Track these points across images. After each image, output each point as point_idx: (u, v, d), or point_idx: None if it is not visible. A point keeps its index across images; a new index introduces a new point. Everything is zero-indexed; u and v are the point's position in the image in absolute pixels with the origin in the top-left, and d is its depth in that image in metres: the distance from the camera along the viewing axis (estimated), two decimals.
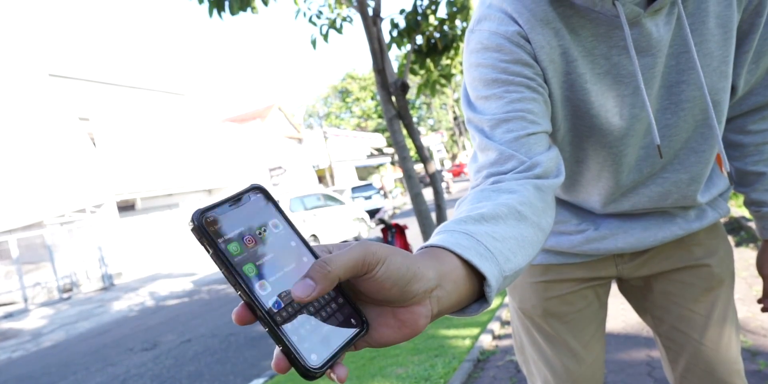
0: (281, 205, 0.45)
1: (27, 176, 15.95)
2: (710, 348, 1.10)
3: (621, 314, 3.63)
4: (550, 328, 1.16)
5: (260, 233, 0.42)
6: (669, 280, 1.13)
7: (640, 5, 0.84)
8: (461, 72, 6.81)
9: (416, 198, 6.54)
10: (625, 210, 1.05)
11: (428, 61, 6.92)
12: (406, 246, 6.78)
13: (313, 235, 7.03)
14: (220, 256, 0.39)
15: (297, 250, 0.44)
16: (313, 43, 6.76)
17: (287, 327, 0.40)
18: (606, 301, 1.22)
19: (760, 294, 1.14)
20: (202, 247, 0.40)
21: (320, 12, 6.93)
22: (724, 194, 1.11)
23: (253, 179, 25.13)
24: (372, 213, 20.95)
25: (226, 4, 5.67)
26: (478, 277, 0.54)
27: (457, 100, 50.35)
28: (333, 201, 14.32)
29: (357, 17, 6.73)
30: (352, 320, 0.43)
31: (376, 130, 47.40)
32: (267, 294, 0.40)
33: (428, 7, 6.59)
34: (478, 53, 0.87)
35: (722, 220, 5.67)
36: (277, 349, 0.41)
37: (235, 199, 0.42)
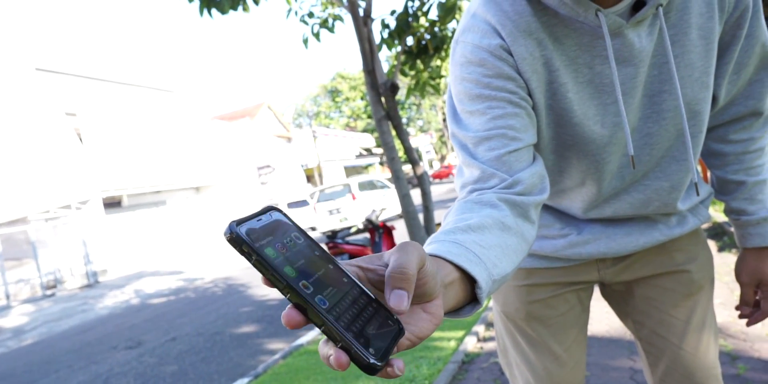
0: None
1: (11, 171, 15.78)
2: (689, 352, 1.11)
3: (605, 318, 3.66)
4: (533, 332, 1.17)
5: (288, 242, 0.45)
6: (650, 285, 1.14)
7: (623, 16, 0.86)
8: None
9: (404, 199, 6.56)
10: (607, 216, 1.07)
11: (418, 62, 6.94)
12: (393, 246, 6.78)
13: (384, 208, 7.53)
14: (262, 262, 0.41)
15: (322, 257, 0.47)
16: (305, 42, 6.75)
17: (341, 325, 0.42)
18: (588, 306, 1.24)
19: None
20: (243, 256, 0.42)
21: (311, 12, 6.92)
22: (705, 201, 1.13)
23: (241, 177, 25.05)
24: None
25: (217, 2, 5.65)
26: (470, 281, 0.58)
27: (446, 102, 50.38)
28: (385, 184, 17.10)
29: (348, 17, 6.74)
30: (389, 321, 0.46)
31: (365, 130, 47.41)
32: (311, 293, 0.42)
33: (419, 8, 6.60)
34: (462, 66, 0.89)
35: (705, 225, 5.74)
36: (333, 347, 0.42)
37: (258, 216, 0.45)
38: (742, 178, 1.06)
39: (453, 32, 6.85)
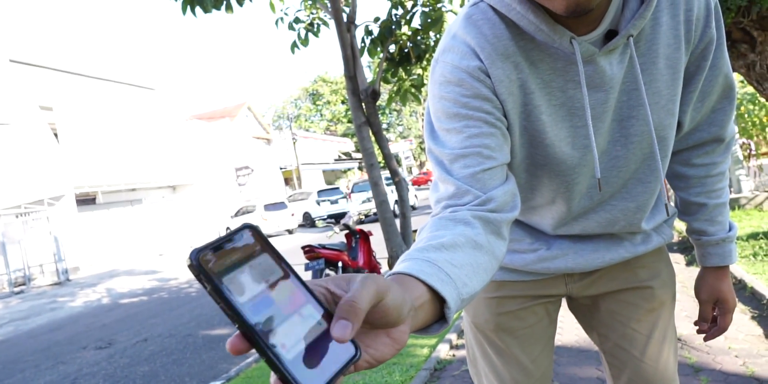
0: (272, 242, 0.49)
1: None
2: (650, 365, 1.17)
3: (574, 329, 3.73)
4: (502, 343, 1.21)
5: (254, 268, 0.45)
6: (615, 300, 1.19)
7: (595, 44, 0.91)
8: None
9: (381, 205, 6.59)
10: (575, 233, 1.12)
11: (400, 69, 6.99)
12: (369, 252, 6.81)
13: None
14: (217, 292, 0.42)
15: (289, 282, 0.47)
16: (293, 47, 6.77)
17: (285, 356, 0.43)
18: (556, 318, 1.28)
19: None
20: (201, 284, 0.43)
21: (297, 18, 6.94)
22: (669, 221, 1.19)
23: (219, 178, 24.86)
24: (337, 217, 20.96)
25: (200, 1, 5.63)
26: (439, 300, 0.61)
27: None
28: (404, 179, 17.78)
29: (331, 22, 6.77)
30: (346, 346, 0.47)
31: (345, 135, 47.41)
32: (264, 325, 0.43)
33: (403, 16, 6.67)
34: (441, 86, 0.92)
35: (675, 239, 5.88)
36: (273, 377, 0.43)
37: (229, 238, 0.45)
38: (704, 201, 1.12)
39: (436, 42, 6.92)
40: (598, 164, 0.95)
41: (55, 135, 17.23)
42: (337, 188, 24.50)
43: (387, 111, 49.36)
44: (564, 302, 1.30)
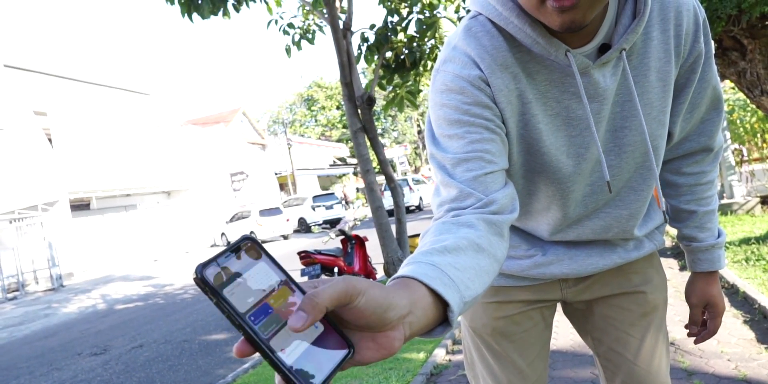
0: (271, 253, 0.52)
1: None
2: (643, 368, 1.20)
3: (570, 334, 3.76)
4: (498, 346, 1.24)
5: (255, 277, 0.49)
6: (608, 305, 1.23)
7: (589, 57, 0.95)
8: (428, 88, 6.94)
9: (377, 211, 6.62)
10: (570, 239, 1.15)
11: (396, 76, 7.03)
12: (365, 258, 6.83)
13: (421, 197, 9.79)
14: (222, 304, 0.46)
15: (287, 288, 0.51)
16: (288, 51, 6.80)
17: (286, 358, 0.47)
18: (551, 323, 1.31)
19: None
20: (206, 296, 0.46)
21: (291, 23, 6.97)
22: (660, 227, 1.22)
23: (214, 183, 24.82)
24: (333, 223, 20.94)
25: (198, 7, 5.67)
26: (442, 304, 0.62)
27: (422, 114, 50.78)
28: (424, 181, 22.73)
29: (327, 29, 6.81)
30: (340, 344, 0.51)
31: (340, 140, 47.43)
32: (266, 331, 0.47)
33: (398, 23, 6.72)
34: (442, 94, 0.96)
35: (669, 245, 5.92)
36: (277, 377, 0.47)
37: (230, 250, 0.49)
38: (694, 208, 1.16)
39: (431, 48, 6.96)
40: (606, 167, 0.98)
41: (50, 140, 17.19)
42: (333, 194, 24.50)
43: (382, 116, 49.45)
44: (559, 307, 1.33)
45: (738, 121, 8.07)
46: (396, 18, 6.75)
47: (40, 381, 5.64)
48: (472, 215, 0.84)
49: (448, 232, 0.79)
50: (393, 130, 53.19)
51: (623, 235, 1.14)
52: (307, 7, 7.06)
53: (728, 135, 7.72)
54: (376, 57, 6.82)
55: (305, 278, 6.36)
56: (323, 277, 6.32)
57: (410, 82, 7.13)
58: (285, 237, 20.33)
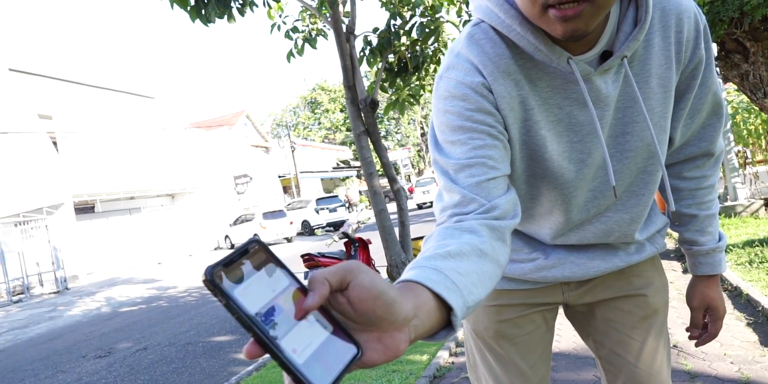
0: (278, 255, 0.53)
1: None
2: (644, 370, 1.21)
3: (572, 336, 3.76)
4: (501, 349, 1.25)
5: (263, 279, 0.50)
6: (610, 308, 1.24)
7: (591, 64, 0.96)
8: (430, 91, 6.96)
9: (380, 214, 6.63)
10: (572, 243, 1.16)
11: (398, 80, 7.05)
12: (368, 261, 6.83)
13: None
14: (232, 305, 0.47)
15: (294, 289, 0.52)
16: (289, 56, 6.83)
17: (296, 358, 0.48)
18: (553, 325, 1.32)
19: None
20: (216, 298, 0.47)
21: (295, 27, 6.99)
22: (661, 231, 1.23)
23: (218, 186, 24.87)
24: (336, 226, 20.97)
25: (204, 12, 5.70)
26: (446, 308, 0.63)
27: (425, 117, 50.82)
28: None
29: (330, 32, 6.84)
30: (349, 346, 0.52)
31: (343, 143, 47.50)
32: (276, 332, 0.48)
33: (401, 27, 6.74)
34: (446, 100, 0.97)
35: (671, 247, 5.92)
36: (287, 378, 0.48)
37: (238, 253, 0.50)
38: (695, 212, 1.17)
39: (433, 52, 6.98)
40: (612, 171, 0.99)
41: (54, 143, 17.25)
42: (336, 196, 24.54)
43: (385, 119, 49.50)
44: (561, 310, 1.35)
45: (741, 124, 8.06)
46: (399, 21, 6.78)
47: (45, 383, 5.66)
48: (474, 221, 0.84)
49: (451, 237, 0.80)
50: (396, 132, 53.25)
51: (625, 239, 1.15)
52: (311, 11, 7.09)
53: (731, 137, 7.71)
54: (378, 60, 6.84)
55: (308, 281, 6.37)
56: None
57: (413, 86, 7.14)
58: (288, 240, 20.36)
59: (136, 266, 19.06)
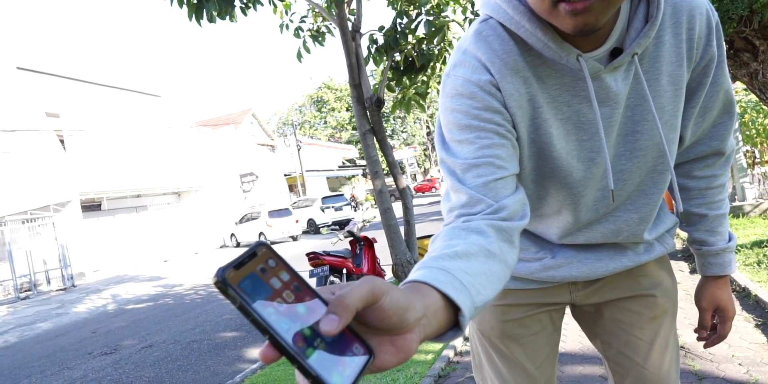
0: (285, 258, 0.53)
1: None
2: (652, 372, 1.19)
3: (578, 336, 3.74)
4: (507, 349, 1.24)
5: (273, 282, 0.49)
6: (618, 308, 1.22)
7: (601, 62, 0.94)
8: (437, 90, 6.94)
9: (386, 213, 6.62)
10: (580, 242, 1.15)
11: (404, 78, 7.03)
12: (373, 259, 6.83)
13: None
14: (246, 307, 0.46)
15: (305, 293, 0.51)
16: (299, 56, 6.83)
17: (312, 361, 0.46)
18: (560, 326, 1.31)
19: None
20: (228, 300, 0.46)
21: (300, 28, 6.99)
22: (671, 231, 1.22)
23: (224, 184, 24.92)
24: (342, 224, 20.98)
25: (205, 11, 5.70)
26: (453, 308, 0.62)
27: (431, 116, 50.76)
28: None
29: (336, 31, 6.83)
30: (362, 350, 0.51)
31: (349, 142, 47.52)
32: (289, 333, 0.47)
33: (407, 25, 6.72)
34: (453, 98, 0.95)
35: (678, 247, 5.88)
36: (303, 381, 0.47)
37: (248, 256, 0.49)
38: (705, 212, 1.15)
39: (440, 51, 6.96)
40: (611, 176, 0.98)
41: (62, 142, 17.33)
42: (342, 195, 24.54)
43: (391, 118, 49.49)
44: (568, 310, 1.33)
45: (750, 123, 8.00)
46: (405, 20, 6.76)
47: (51, 380, 5.69)
48: (482, 221, 0.83)
49: (459, 237, 0.79)
50: (402, 131, 53.22)
51: (633, 239, 1.13)
52: (317, 9, 7.09)
53: (740, 137, 7.66)
54: (385, 59, 6.82)
55: (314, 279, 6.37)
56: (332, 278, 6.34)
57: (419, 84, 7.12)
58: (294, 238, 20.38)
59: (143, 264, 19.13)
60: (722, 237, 1.17)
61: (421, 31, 6.68)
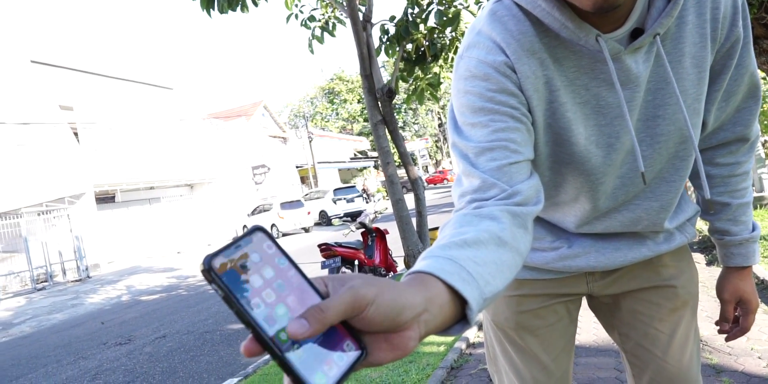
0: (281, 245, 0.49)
1: (5, 163, 15.73)
2: (672, 365, 1.16)
3: (593, 328, 3.71)
4: (522, 341, 1.21)
5: (265, 272, 0.46)
6: (636, 299, 1.18)
7: (621, 43, 0.90)
8: (449, 80, 6.88)
9: (398, 204, 6.60)
10: (597, 231, 1.11)
11: (417, 69, 6.98)
12: (385, 250, 6.82)
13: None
14: (230, 298, 0.43)
15: (298, 284, 0.47)
16: (310, 47, 6.79)
17: (294, 357, 0.44)
18: (576, 317, 1.27)
19: None
20: (214, 290, 0.44)
21: (312, 16, 6.94)
22: (692, 220, 1.17)
23: (236, 176, 25.01)
24: (353, 216, 21.00)
25: (216, 1, 5.67)
26: (460, 300, 0.58)
27: (443, 107, 50.53)
28: None
29: (348, 21, 6.77)
30: (353, 346, 0.48)
31: (360, 133, 47.46)
32: (274, 328, 0.44)
33: (418, 15, 6.65)
34: (466, 80, 0.91)
35: (697, 238, 5.80)
36: (286, 379, 0.44)
37: (240, 242, 0.46)
38: (727, 200, 1.11)
39: (451, 40, 6.89)
40: (640, 156, 0.93)
41: (75, 134, 17.45)
42: (353, 187, 24.54)
43: (403, 109, 49.34)
44: (584, 301, 1.30)
45: None
46: (416, 10, 6.69)
47: (67, 369, 5.74)
48: (495, 207, 0.80)
49: (469, 224, 0.75)
50: (414, 123, 53.07)
51: (653, 228, 1.09)
52: (327, 0, 7.04)
53: (758, 127, 7.51)
54: (396, 50, 6.77)
55: (326, 271, 6.37)
56: (343, 269, 6.34)
57: (431, 75, 7.06)
58: (306, 230, 20.44)
59: (156, 255, 19.27)
60: (746, 226, 1.12)
61: (432, 21, 6.61)
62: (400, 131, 6.73)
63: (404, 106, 48.03)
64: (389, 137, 6.71)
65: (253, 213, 21.82)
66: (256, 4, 6.19)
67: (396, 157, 8.52)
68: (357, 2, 6.48)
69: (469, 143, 0.88)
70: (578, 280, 1.20)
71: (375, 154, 36.98)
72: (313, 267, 8.86)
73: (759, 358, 2.89)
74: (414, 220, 6.88)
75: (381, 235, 6.87)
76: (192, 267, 14.34)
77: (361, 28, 6.50)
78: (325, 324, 0.45)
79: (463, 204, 0.85)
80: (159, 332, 6.88)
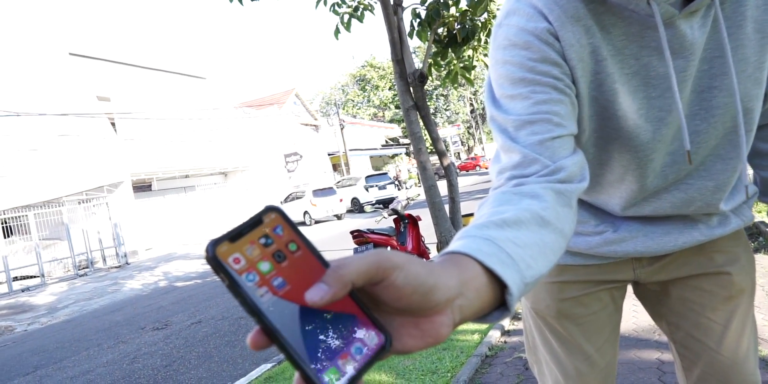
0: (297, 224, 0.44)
1: (47, 153, 16.16)
2: (727, 358, 1.08)
3: (632, 316, 3.60)
4: (564, 330, 1.14)
5: (276, 256, 0.41)
6: (687, 287, 1.11)
7: (675, 6, 0.81)
8: (484, 64, 6.75)
9: (430, 190, 6.53)
10: (645, 214, 1.03)
11: (449, 52, 6.85)
12: (418, 237, 6.77)
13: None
14: (235, 287, 0.39)
15: (314, 269, 0.42)
16: (336, 33, 6.73)
17: (307, 353, 0.39)
18: (621, 305, 1.20)
19: None
20: (219, 278, 0.39)
21: (341, 2, 6.87)
22: (749, 201, 1.08)
23: (269, 164, 25.23)
24: (385, 203, 21.02)
25: None
26: (499, 285, 0.53)
27: (474, 93, 49.98)
28: None
29: (378, 6, 6.68)
30: (375, 337, 0.42)
31: (392, 120, 47.31)
32: (279, 323, 0.39)
33: None
34: (505, 50, 0.84)
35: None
36: (297, 375, 0.40)
37: (251, 224, 0.41)
38: None
39: (483, 23, 6.75)
40: (687, 133, 0.86)
41: (113, 124, 17.81)
42: (385, 174, 24.52)
43: (434, 96, 48.95)
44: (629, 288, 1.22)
45: None
46: None
47: (108, 353, 5.89)
48: (536, 184, 0.73)
49: (509, 202, 0.69)
50: (446, 109, 52.65)
51: (707, 210, 1.01)
52: None
53: None
54: (429, 34, 6.65)
55: None
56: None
57: (464, 58, 6.93)
58: (338, 217, 20.53)
59: (191, 242, 19.62)
60: None
61: (464, 3, 6.46)
62: (432, 118, 6.63)
63: (435, 92, 47.65)
64: (421, 123, 6.62)
65: (285, 200, 22.02)
66: None
67: (429, 145, 8.42)
68: None
69: (509, 116, 0.81)
70: (624, 266, 1.13)
71: (406, 141, 36.84)
72: (346, 254, 8.88)
73: None
74: (447, 207, 6.80)
75: (413, 221, 6.81)
76: None
77: (392, 12, 6.40)
78: (344, 283, 0.40)
79: (502, 181, 0.78)
80: (195, 318, 7.00)
